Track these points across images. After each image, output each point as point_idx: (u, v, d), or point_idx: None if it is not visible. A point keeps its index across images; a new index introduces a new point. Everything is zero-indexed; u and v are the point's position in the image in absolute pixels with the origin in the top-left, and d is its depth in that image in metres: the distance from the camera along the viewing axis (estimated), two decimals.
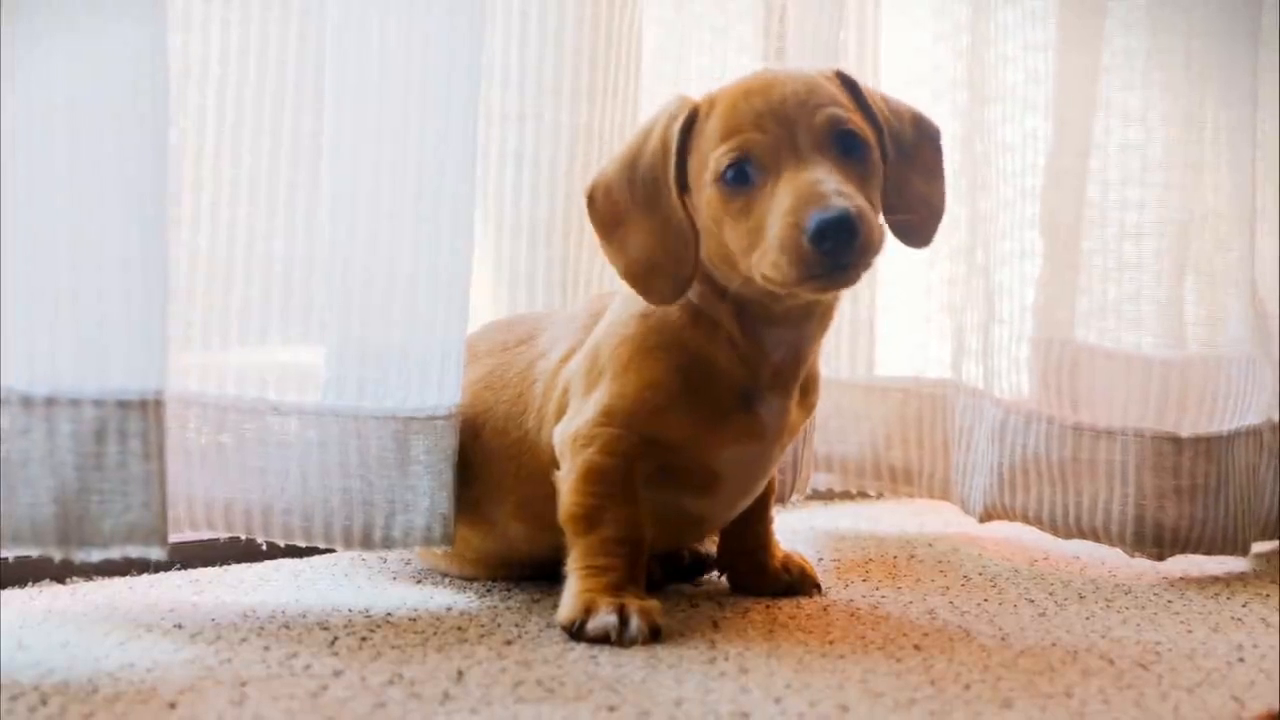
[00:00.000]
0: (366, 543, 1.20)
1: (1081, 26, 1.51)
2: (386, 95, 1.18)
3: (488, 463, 1.23)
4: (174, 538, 1.30)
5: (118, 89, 1.03)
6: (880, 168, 1.13)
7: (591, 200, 1.16)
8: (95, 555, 1.03)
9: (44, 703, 0.91)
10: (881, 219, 1.13)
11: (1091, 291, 1.52)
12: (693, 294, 1.16)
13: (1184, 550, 1.45)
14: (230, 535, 1.22)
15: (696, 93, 1.15)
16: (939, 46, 1.67)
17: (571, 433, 1.16)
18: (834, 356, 1.65)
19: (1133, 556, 1.47)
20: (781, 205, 1.05)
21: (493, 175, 1.42)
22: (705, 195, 1.11)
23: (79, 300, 1.02)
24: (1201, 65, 1.49)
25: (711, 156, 1.10)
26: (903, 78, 1.68)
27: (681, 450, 1.16)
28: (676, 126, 1.13)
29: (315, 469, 1.19)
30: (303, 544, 1.21)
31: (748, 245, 1.08)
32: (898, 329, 1.73)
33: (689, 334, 1.15)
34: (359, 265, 1.19)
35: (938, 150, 1.20)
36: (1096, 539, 1.47)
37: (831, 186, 1.05)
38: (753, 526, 1.28)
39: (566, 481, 1.15)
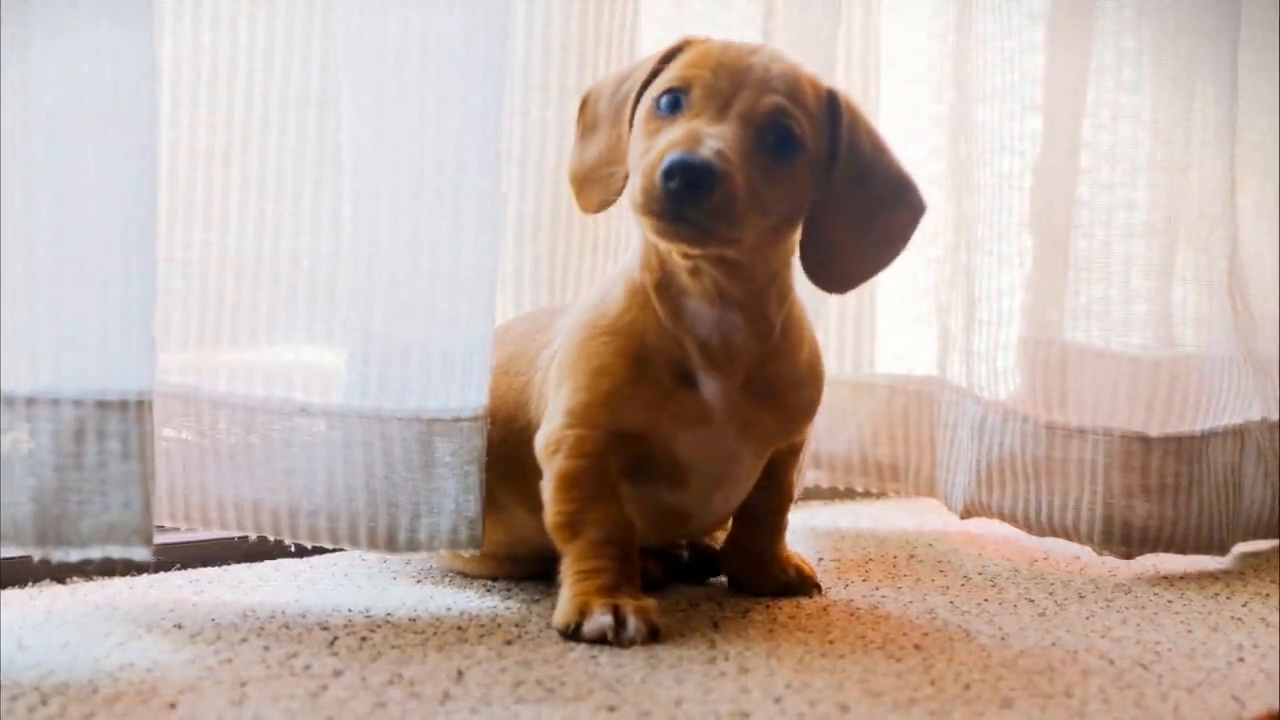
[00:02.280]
0: (392, 545, 1.20)
1: (1071, 27, 1.51)
2: (406, 91, 1.18)
3: (501, 447, 1.23)
4: (175, 538, 1.31)
5: (101, 87, 1.02)
6: (804, 182, 1.12)
7: (583, 104, 1.21)
8: (74, 555, 1.03)
9: (44, 703, 0.91)
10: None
11: (1073, 291, 1.52)
12: (634, 265, 1.17)
13: (1154, 549, 1.45)
14: (259, 536, 1.22)
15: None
16: (935, 45, 1.66)
17: (544, 440, 1.17)
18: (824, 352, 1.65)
19: (1101, 555, 1.48)
20: (665, 139, 1.06)
21: None
22: (641, 113, 1.13)
23: (60, 301, 1.02)
24: (1187, 65, 1.49)
25: (660, 79, 1.12)
26: (901, 77, 1.68)
27: (644, 439, 1.15)
28: (661, 53, 1.15)
29: (341, 470, 1.19)
30: (329, 545, 1.22)
31: (636, 168, 1.09)
32: (887, 326, 1.73)
33: (625, 313, 1.16)
34: (382, 262, 1.19)
35: (908, 224, 1.18)
36: (1067, 537, 1.47)
37: (712, 142, 1.05)
38: (763, 530, 1.28)
39: (547, 491, 1.16)
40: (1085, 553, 1.52)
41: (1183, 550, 1.46)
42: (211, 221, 1.21)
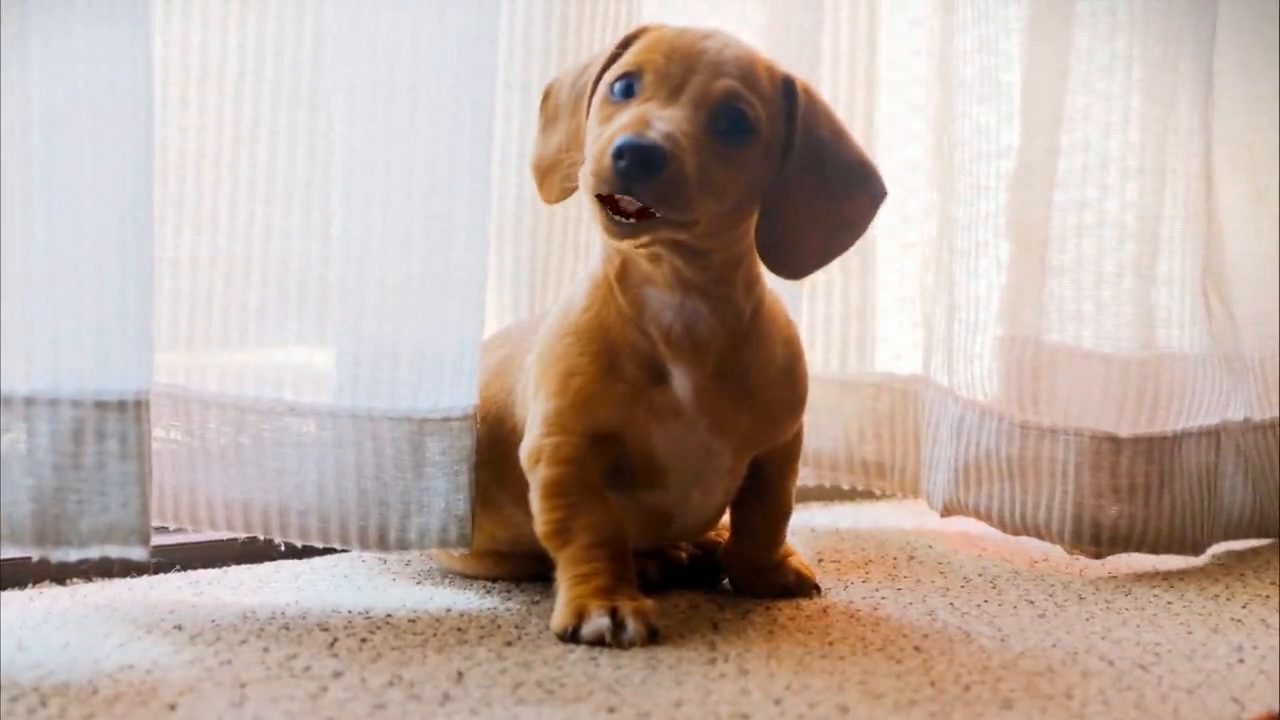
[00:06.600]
0: (383, 544, 1.21)
1: (1051, 28, 1.51)
2: (397, 92, 1.18)
3: (492, 448, 1.23)
4: (175, 539, 1.31)
5: (98, 87, 1.03)
6: (758, 166, 1.12)
7: (546, 96, 1.21)
8: (73, 555, 1.03)
9: (44, 704, 0.91)
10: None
11: (1049, 291, 1.52)
12: (598, 261, 1.17)
13: (1125, 549, 1.46)
14: (249, 535, 1.22)
15: None
16: (934, 47, 1.66)
17: (527, 450, 1.17)
18: (808, 351, 1.64)
19: (1071, 554, 1.48)
20: (617, 123, 1.07)
21: None
22: (596, 99, 1.13)
23: (57, 301, 1.02)
24: (1164, 67, 1.49)
25: (614, 66, 1.12)
26: (901, 78, 1.68)
27: (620, 439, 1.15)
28: (618, 41, 1.15)
29: (332, 470, 1.20)
30: (320, 545, 1.22)
31: (589, 153, 1.09)
32: (886, 327, 1.73)
33: (587, 311, 1.16)
34: (373, 264, 1.19)
35: (867, 210, 1.18)
36: (1039, 536, 1.48)
37: (661, 124, 1.05)
38: (761, 541, 1.28)
39: (534, 501, 1.16)
40: None
41: (1155, 550, 1.47)
42: (202, 222, 1.21)
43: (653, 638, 1.09)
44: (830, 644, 1.11)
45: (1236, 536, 1.58)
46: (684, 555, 1.34)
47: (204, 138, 1.21)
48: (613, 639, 1.08)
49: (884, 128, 1.67)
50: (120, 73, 1.03)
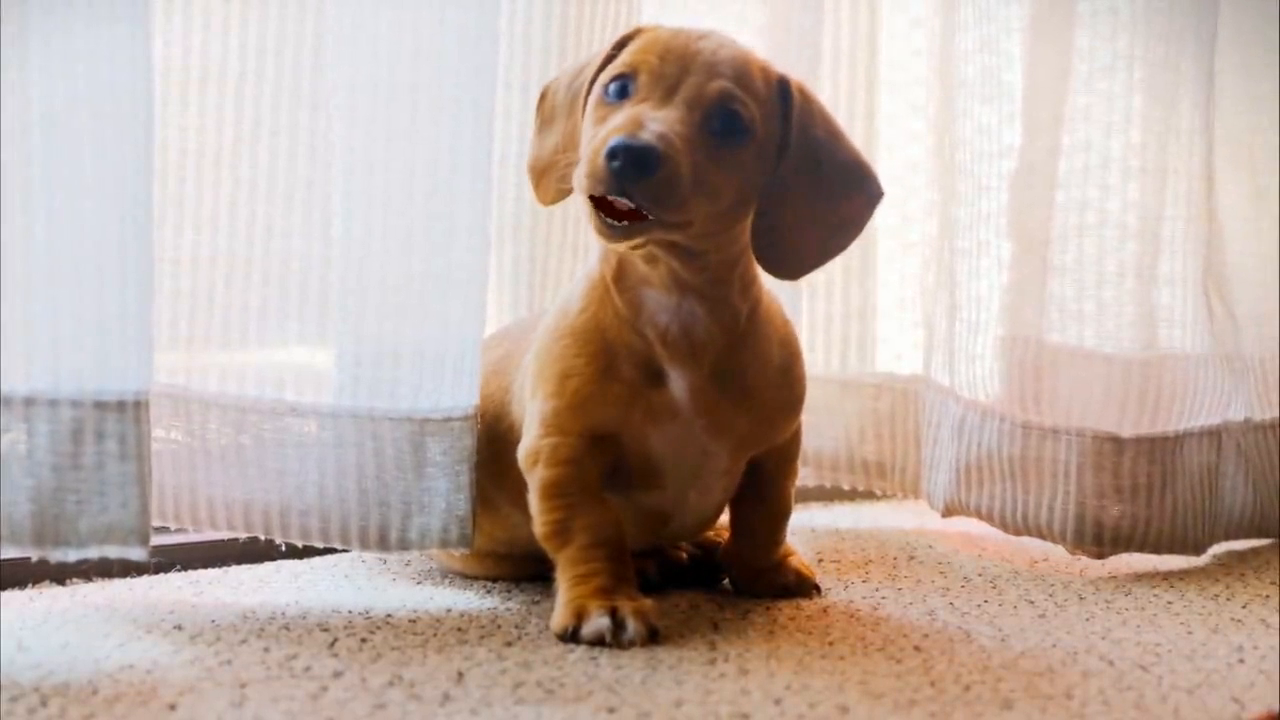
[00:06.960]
0: (383, 544, 1.21)
1: (1052, 28, 1.51)
2: (398, 92, 1.18)
3: (489, 447, 1.23)
4: (175, 539, 1.32)
5: (98, 87, 1.03)
6: (753, 167, 1.11)
7: (542, 97, 1.21)
8: (72, 555, 1.03)
9: (44, 704, 0.91)
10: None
11: (1051, 291, 1.52)
12: (595, 261, 1.17)
13: (1126, 549, 1.46)
14: (249, 535, 1.22)
15: None
16: (935, 47, 1.66)
17: (525, 451, 1.17)
18: (809, 351, 1.64)
19: (1073, 554, 1.48)
20: (610, 124, 1.06)
21: None
22: (591, 100, 1.13)
23: (57, 301, 1.02)
24: (1166, 68, 1.49)
25: (609, 67, 1.12)
26: (902, 78, 1.68)
27: (618, 439, 1.15)
28: (614, 42, 1.15)
29: (332, 470, 1.20)
30: (320, 545, 1.22)
31: (584, 155, 1.08)
32: (888, 326, 1.73)
33: (584, 311, 1.16)
34: (374, 264, 1.19)
35: (863, 210, 1.17)
36: (1041, 536, 1.48)
37: (655, 125, 1.05)
38: (761, 543, 1.27)
39: (532, 502, 1.16)
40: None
41: (1156, 550, 1.47)
42: (202, 222, 1.21)
43: (653, 638, 1.09)
44: (830, 644, 1.11)
45: (1237, 536, 1.58)
46: (684, 555, 1.34)
47: (204, 138, 1.21)
48: (613, 639, 1.08)
49: (884, 128, 1.67)
50: (120, 73, 1.04)
